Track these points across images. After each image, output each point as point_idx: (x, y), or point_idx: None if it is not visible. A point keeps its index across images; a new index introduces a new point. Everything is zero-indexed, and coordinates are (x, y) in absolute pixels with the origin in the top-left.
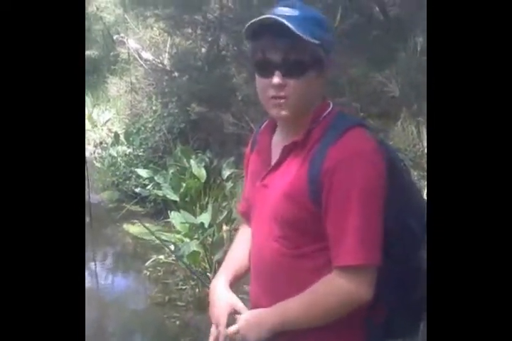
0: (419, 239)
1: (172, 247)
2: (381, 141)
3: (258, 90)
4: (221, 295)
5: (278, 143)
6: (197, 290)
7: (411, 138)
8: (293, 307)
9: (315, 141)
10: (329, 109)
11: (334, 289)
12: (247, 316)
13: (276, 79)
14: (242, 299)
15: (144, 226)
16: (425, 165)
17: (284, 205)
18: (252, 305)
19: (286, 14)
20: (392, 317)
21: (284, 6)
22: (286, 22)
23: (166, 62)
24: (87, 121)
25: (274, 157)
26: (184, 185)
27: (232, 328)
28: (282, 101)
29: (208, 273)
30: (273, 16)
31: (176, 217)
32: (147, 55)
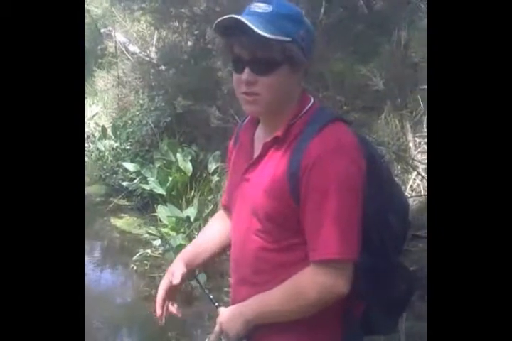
0: (398, 235)
1: (159, 241)
2: (361, 137)
3: (234, 85)
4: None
5: (260, 137)
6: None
7: (394, 131)
8: (270, 300)
9: (295, 137)
10: (310, 104)
11: (311, 282)
12: (226, 312)
13: (244, 76)
14: (227, 292)
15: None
16: (408, 159)
17: (265, 200)
18: (232, 298)
19: (258, 11)
20: (370, 312)
21: (261, 2)
22: (248, 22)
23: (152, 55)
24: None
25: (257, 151)
26: (170, 178)
27: (215, 329)
28: (253, 98)
29: None
30: (235, 16)
31: (162, 211)
32: (134, 48)
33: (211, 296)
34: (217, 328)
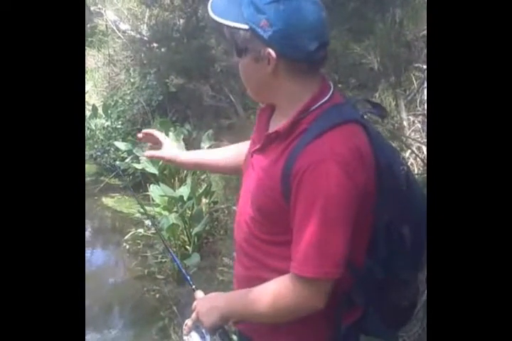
0: (407, 247)
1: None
2: (380, 142)
3: None
4: None
5: (273, 122)
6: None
7: (389, 109)
8: (241, 300)
9: (298, 134)
10: (323, 100)
11: (289, 291)
12: (204, 302)
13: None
14: (221, 271)
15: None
16: (403, 137)
17: (258, 194)
18: (234, 278)
19: None
20: (367, 319)
21: None
22: (210, 4)
23: (144, 33)
24: None
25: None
26: None
27: (192, 315)
28: None
29: (187, 246)
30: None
31: (154, 190)
32: (125, 26)
33: (189, 277)
34: (194, 315)
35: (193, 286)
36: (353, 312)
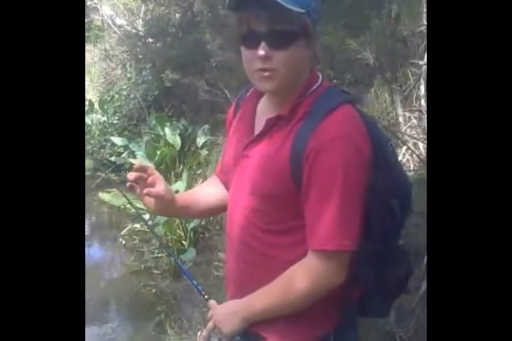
0: (399, 221)
1: (147, 216)
2: (369, 120)
3: (244, 62)
4: None
5: (264, 111)
6: (172, 258)
7: (384, 105)
8: (260, 299)
9: (300, 117)
10: (318, 82)
11: (306, 271)
12: (220, 309)
13: (261, 51)
14: (216, 266)
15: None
16: (399, 134)
17: (263, 180)
18: (227, 274)
19: None
20: (367, 296)
21: None
22: None
23: (140, 28)
24: None
25: (258, 126)
26: (159, 152)
27: (208, 325)
28: (268, 73)
29: (183, 241)
30: None
31: None
32: (121, 21)
33: (200, 288)
34: (210, 324)
35: (206, 296)
36: (355, 290)
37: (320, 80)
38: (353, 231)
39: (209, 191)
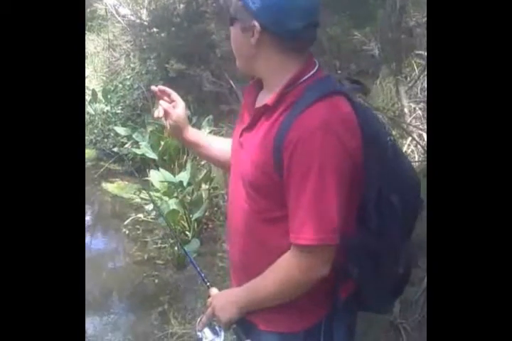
0: (398, 215)
1: (151, 206)
2: (365, 113)
3: None
4: None
5: (260, 101)
6: (176, 248)
7: (389, 96)
8: (254, 288)
9: (286, 107)
10: (311, 73)
11: (293, 264)
12: (220, 297)
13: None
14: (221, 257)
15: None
16: (403, 124)
17: (251, 170)
18: (230, 262)
19: None
20: (361, 291)
21: None
22: None
23: (144, 17)
24: None
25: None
26: (163, 143)
27: (208, 311)
28: None
29: (187, 232)
30: None
31: (154, 176)
32: (125, 10)
33: (203, 275)
34: (209, 311)
35: (208, 284)
36: (348, 284)
37: (314, 71)
38: (330, 224)
39: (223, 146)
